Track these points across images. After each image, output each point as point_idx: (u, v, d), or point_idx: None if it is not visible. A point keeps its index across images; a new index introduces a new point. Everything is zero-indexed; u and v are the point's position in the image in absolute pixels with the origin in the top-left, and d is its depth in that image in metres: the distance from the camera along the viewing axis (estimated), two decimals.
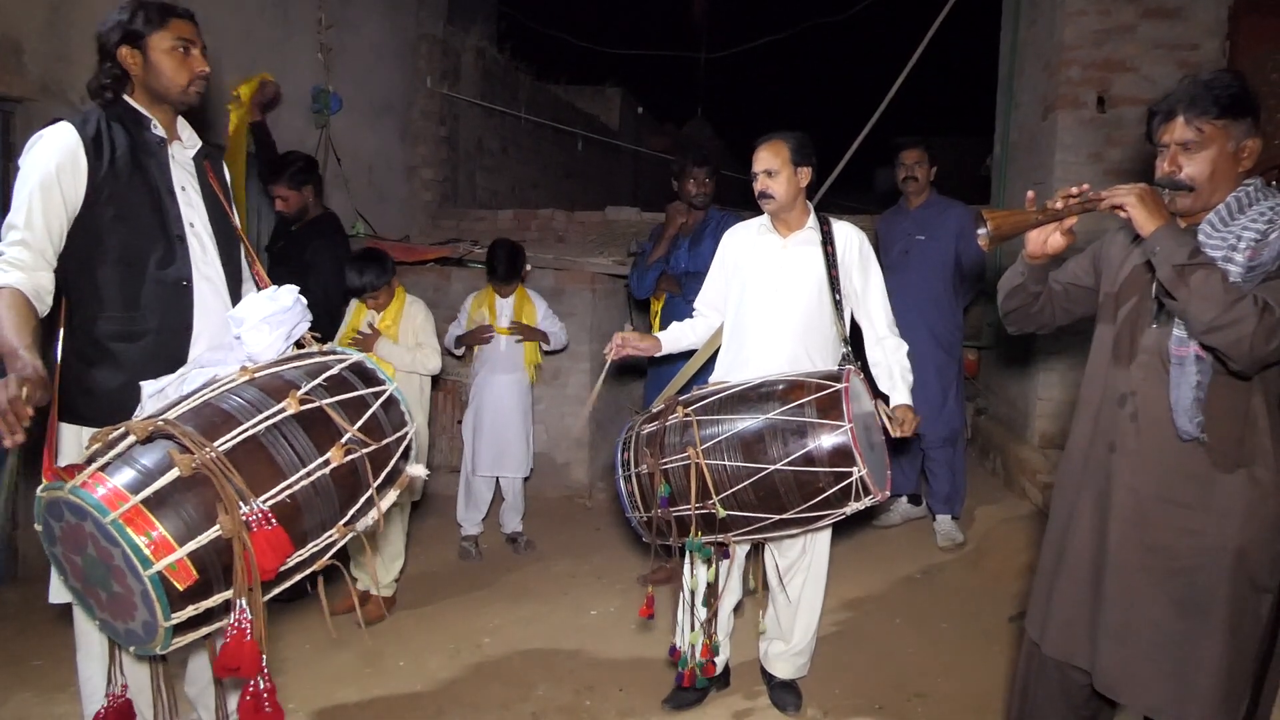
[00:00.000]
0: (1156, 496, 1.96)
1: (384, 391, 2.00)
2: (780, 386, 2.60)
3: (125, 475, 1.66)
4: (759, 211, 3.02)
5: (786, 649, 3.01)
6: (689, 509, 2.54)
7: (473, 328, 4.51)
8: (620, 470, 2.68)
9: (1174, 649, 1.93)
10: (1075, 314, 2.27)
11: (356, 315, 3.90)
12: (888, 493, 2.59)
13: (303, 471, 1.79)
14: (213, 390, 1.86)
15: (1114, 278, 2.11)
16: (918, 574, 4.26)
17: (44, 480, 1.73)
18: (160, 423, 1.73)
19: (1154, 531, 1.96)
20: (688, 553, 2.64)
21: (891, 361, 2.91)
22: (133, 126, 2.24)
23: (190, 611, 1.67)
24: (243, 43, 5.11)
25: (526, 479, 4.68)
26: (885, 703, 3.09)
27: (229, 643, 1.72)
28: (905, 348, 2.94)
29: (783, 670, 3.04)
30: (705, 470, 2.51)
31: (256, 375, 1.91)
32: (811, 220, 2.96)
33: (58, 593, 2.18)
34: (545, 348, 4.68)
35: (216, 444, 1.71)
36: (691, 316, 3.21)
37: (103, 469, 1.68)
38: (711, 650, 2.79)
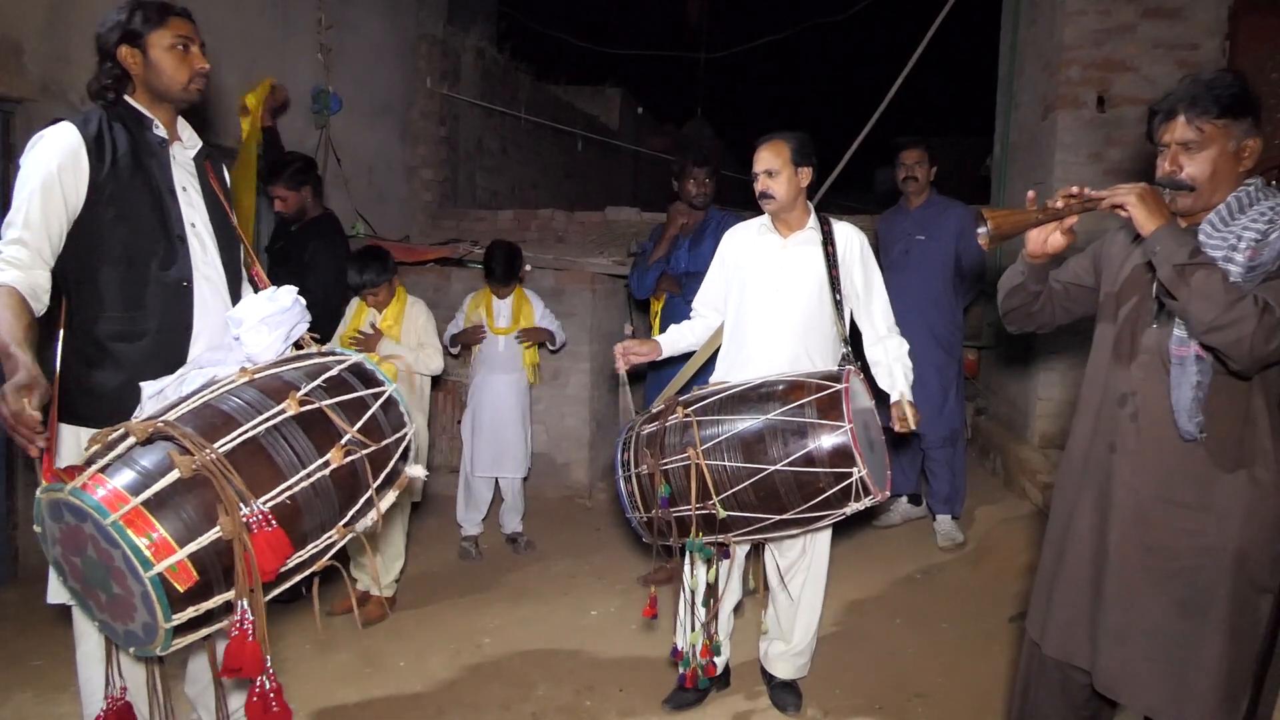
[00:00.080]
0: (1157, 496, 1.96)
1: (383, 392, 2.00)
2: (780, 387, 2.60)
3: (125, 477, 1.66)
4: (759, 211, 3.02)
5: (787, 649, 3.01)
6: (689, 509, 2.54)
7: (469, 328, 4.52)
8: (620, 470, 2.68)
9: (1174, 649, 1.93)
10: (1075, 313, 2.27)
11: (358, 315, 3.90)
12: (888, 493, 2.59)
13: (303, 473, 1.79)
14: (212, 391, 1.86)
15: (1114, 277, 2.11)
16: (918, 574, 4.26)
17: (43, 481, 1.73)
18: (160, 424, 1.73)
19: (1154, 531, 1.95)
20: (688, 553, 2.64)
21: (892, 359, 2.91)
22: (134, 127, 2.24)
23: (191, 613, 1.66)
24: (243, 43, 5.10)
25: (525, 479, 4.68)
26: (885, 703, 3.09)
27: (231, 644, 1.72)
28: (906, 345, 2.95)
29: (783, 670, 3.03)
30: (705, 470, 2.51)
31: (256, 376, 1.91)
32: (812, 220, 2.96)
33: (56, 593, 2.18)
34: (551, 348, 4.68)
35: (216, 445, 1.71)
36: (691, 317, 3.21)
37: (102, 470, 1.67)
38: (712, 650, 2.79)
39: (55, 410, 1.98)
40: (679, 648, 2.85)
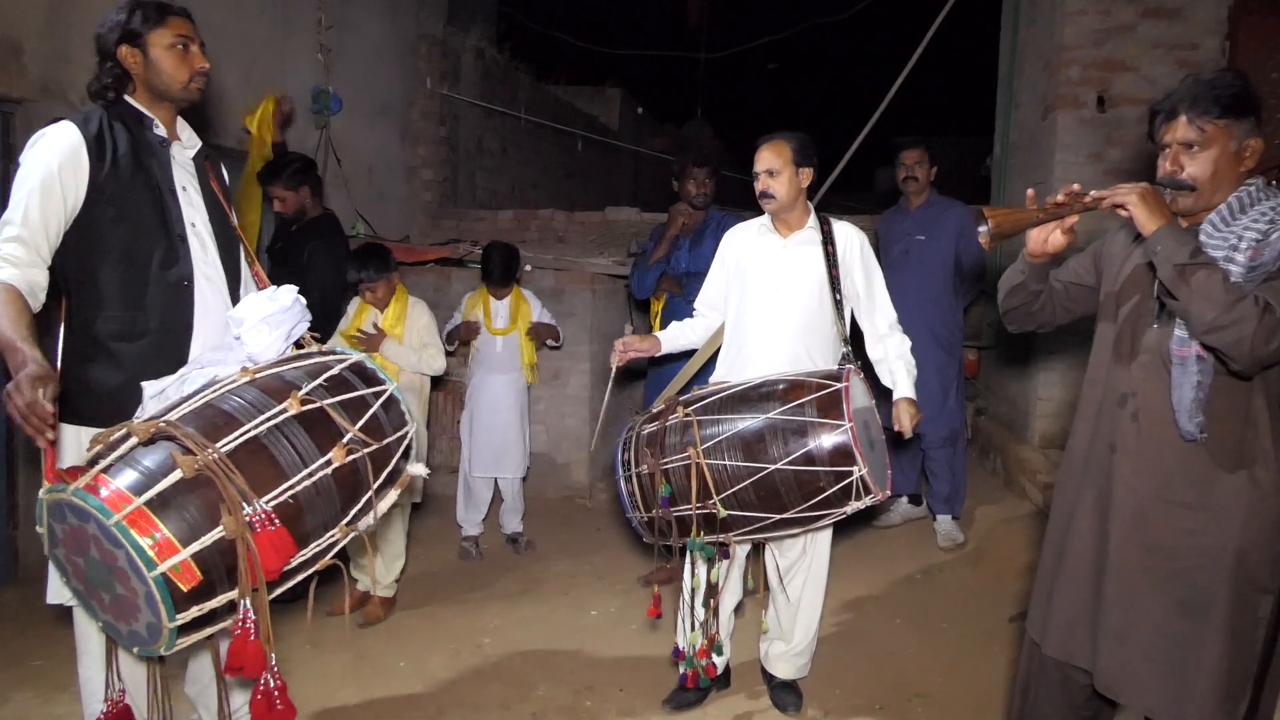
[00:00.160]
0: (1157, 497, 1.95)
1: (384, 391, 2.00)
2: (780, 386, 2.60)
3: (128, 477, 1.66)
4: (760, 211, 3.02)
5: (787, 649, 3.01)
6: (690, 509, 2.54)
7: (463, 323, 4.52)
8: (621, 470, 2.68)
9: (1174, 649, 1.93)
10: (1076, 313, 2.27)
11: (359, 314, 3.90)
12: (888, 492, 2.59)
13: (305, 472, 1.79)
14: (214, 391, 1.86)
15: (1115, 277, 2.11)
16: (918, 574, 4.26)
17: (46, 482, 1.73)
18: (162, 424, 1.73)
19: (1154, 532, 1.95)
20: (689, 552, 2.64)
21: (894, 357, 2.92)
22: (134, 126, 2.24)
23: (194, 612, 1.67)
24: (243, 43, 5.10)
25: (525, 479, 4.68)
26: (885, 703, 3.09)
27: (234, 643, 1.72)
28: (908, 343, 2.95)
29: (783, 671, 3.04)
30: (706, 470, 2.51)
31: (257, 376, 1.91)
32: (812, 220, 2.96)
33: (55, 593, 2.18)
34: (552, 344, 4.68)
35: (219, 445, 1.71)
36: (692, 317, 3.21)
37: (105, 471, 1.67)
38: (713, 650, 2.79)
39: (56, 410, 1.99)
40: (680, 648, 2.86)
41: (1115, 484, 2.01)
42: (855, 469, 2.44)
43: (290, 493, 1.77)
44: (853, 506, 2.52)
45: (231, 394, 1.84)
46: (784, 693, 3.03)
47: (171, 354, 2.21)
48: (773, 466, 2.46)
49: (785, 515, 2.52)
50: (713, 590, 2.75)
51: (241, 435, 1.75)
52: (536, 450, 5.23)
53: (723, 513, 2.52)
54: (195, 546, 1.64)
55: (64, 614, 2.28)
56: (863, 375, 2.76)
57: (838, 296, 2.87)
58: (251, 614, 1.72)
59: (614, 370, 2.95)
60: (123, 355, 2.19)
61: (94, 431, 1.88)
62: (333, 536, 1.87)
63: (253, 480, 1.72)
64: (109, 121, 2.20)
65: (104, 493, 1.63)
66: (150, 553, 1.59)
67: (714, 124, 15.63)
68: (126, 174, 2.19)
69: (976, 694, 3.12)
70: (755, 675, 3.15)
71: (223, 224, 2.40)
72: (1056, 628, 2.11)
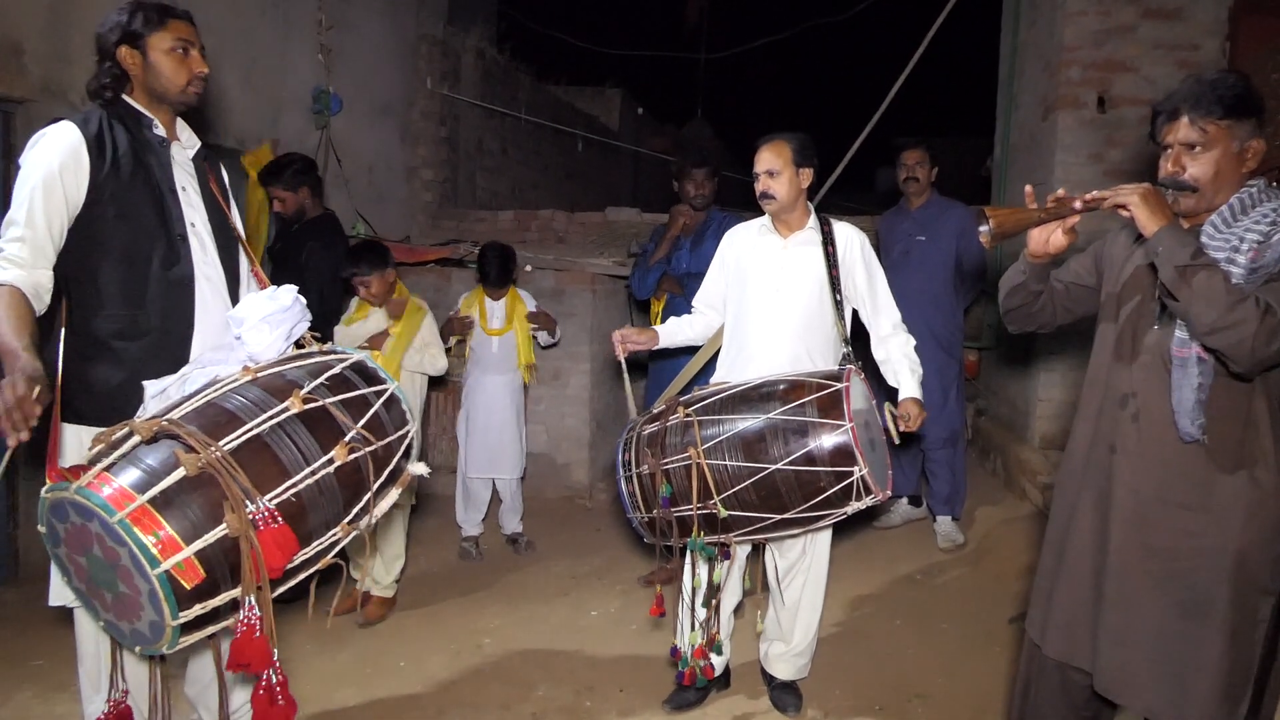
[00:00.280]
0: (1157, 498, 1.95)
1: (385, 390, 2.00)
2: (781, 386, 2.60)
3: (131, 475, 1.66)
4: (760, 212, 3.02)
5: (787, 650, 3.01)
6: (690, 509, 2.54)
7: (456, 317, 4.51)
8: (621, 471, 2.68)
9: (1174, 651, 1.93)
10: (1076, 313, 2.27)
11: (359, 312, 3.90)
12: (889, 492, 2.59)
13: (307, 470, 1.79)
14: (216, 390, 1.86)
15: (1116, 278, 2.11)
16: (918, 575, 4.26)
17: (48, 481, 1.73)
18: (165, 422, 1.74)
19: (1154, 533, 1.95)
20: (689, 553, 2.64)
21: (898, 356, 2.92)
22: (134, 126, 2.25)
23: (197, 610, 1.67)
24: (243, 43, 5.10)
25: (523, 479, 4.67)
26: (885, 703, 3.09)
27: (238, 639, 1.72)
28: (913, 342, 2.96)
29: (783, 671, 3.04)
30: (706, 470, 2.51)
31: (259, 375, 1.91)
32: (812, 221, 2.96)
33: (58, 595, 2.18)
34: (551, 340, 4.67)
35: (221, 443, 1.71)
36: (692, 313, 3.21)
37: (108, 469, 1.68)
38: (713, 650, 2.79)
39: (58, 410, 1.99)
40: (678, 647, 2.86)
41: (1115, 485, 2.01)
42: (856, 469, 2.44)
43: (293, 491, 1.77)
44: (853, 507, 2.52)
45: (233, 393, 1.84)
46: (784, 693, 3.03)
47: (172, 353, 2.21)
48: (773, 467, 2.47)
49: (786, 515, 2.52)
50: (714, 590, 2.75)
51: (244, 434, 1.75)
52: (536, 450, 5.22)
53: (723, 513, 2.52)
54: (198, 544, 1.64)
55: (64, 614, 2.28)
56: (864, 375, 2.76)
57: (838, 297, 2.87)
58: (256, 610, 1.72)
59: (622, 362, 2.94)
60: (123, 354, 2.19)
61: (95, 431, 1.88)
62: (335, 535, 1.87)
63: (256, 478, 1.72)
64: (109, 121, 2.21)
65: (107, 491, 1.63)
66: (153, 550, 1.59)
67: (714, 124, 15.65)
68: (126, 173, 2.19)
69: (976, 694, 3.12)
70: (755, 676, 3.15)
71: (222, 224, 2.41)
72: (1056, 628, 2.11)
